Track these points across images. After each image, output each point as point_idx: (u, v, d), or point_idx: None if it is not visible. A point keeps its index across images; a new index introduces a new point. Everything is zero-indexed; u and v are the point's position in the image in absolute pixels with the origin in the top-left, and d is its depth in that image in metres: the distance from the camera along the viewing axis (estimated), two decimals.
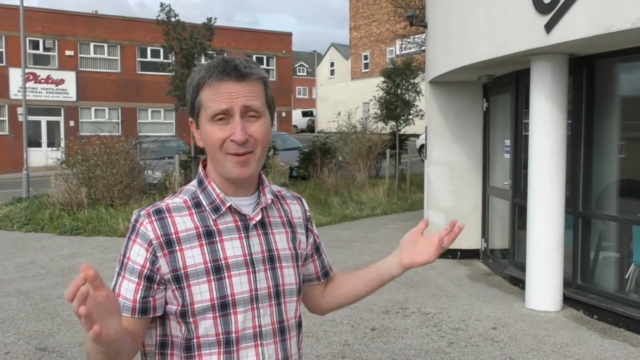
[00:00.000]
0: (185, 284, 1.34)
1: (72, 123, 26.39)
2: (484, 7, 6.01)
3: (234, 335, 1.37)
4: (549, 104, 5.60)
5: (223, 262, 1.37)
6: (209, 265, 1.36)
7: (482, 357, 4.66)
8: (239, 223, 1.42)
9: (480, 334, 5.15)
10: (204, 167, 1.47)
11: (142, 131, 17.84)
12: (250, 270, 1.40)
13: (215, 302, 1.35)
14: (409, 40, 19.80)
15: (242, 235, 1.41)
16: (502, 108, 7.54)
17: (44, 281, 7.14)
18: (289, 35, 33.46)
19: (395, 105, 15.43)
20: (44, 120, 26.00)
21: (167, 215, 1.38)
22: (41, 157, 24.07)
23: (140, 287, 1.35)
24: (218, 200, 1.41)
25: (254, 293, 1.39)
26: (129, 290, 1.35)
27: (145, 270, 1.35)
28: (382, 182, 14.61)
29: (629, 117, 5.85)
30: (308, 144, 17.40)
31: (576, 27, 4.60)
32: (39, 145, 25.47)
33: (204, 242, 1.37)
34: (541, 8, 4.90)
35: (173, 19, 13.30)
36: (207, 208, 1.40)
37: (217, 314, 1.35)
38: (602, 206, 5.96)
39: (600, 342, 4.91)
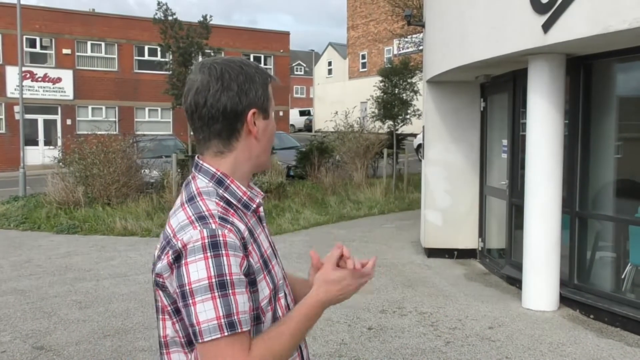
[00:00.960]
0: (257, 287, 1.36)
1: (69, 121, 26.34)
2: (482, 6, 6.02)
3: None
4: (546, 103, 5.60)
5: (266, 255, 1.43)
6: (261, 260, 1.39)
7: (479, 357, 4.66)
8: (256, 217, 1.48)
9: (476, 334, 5.16)
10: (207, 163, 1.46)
11: (139, 130, 17.83)
12: (276, 260, 1.51)
13: (272, 292, 1.41)
14: (406, 39, 19.83)
15: (262, 227, 1.49)
16: (499, 108, 7.55)
17: (40, 280, 7.12)
18: (287, 34, 33.44)
19: (393, 105, 15.45)
20: (40, 118, 25.94)
21: (230, 219, 1.34)
22: (38, 155, 24.05)
23: (250, 296, 1.33)
24: (245, 198, 1.43)
25: (282, 279, 1.50)
26: (245, 303, 1.29)
27: (247, 278, 1.32)
28: (379, 181, 14.62)
29: (625, 117, 5.86)
30: (305, 143, 17.40)
31: (574, 27, 4.61)
32: (35, 143, 25.42)
33: (253, 239, 1.39)
34: (539, 8, 4.91)
35: (170, 18, 13.29)
36: (239, 205, 1.41)
37: (273, 305, 1.41)
38: (599, 206, 5.97)
39: (597, 342, 4.92)
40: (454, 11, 6.82)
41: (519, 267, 6.38)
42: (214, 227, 1.29)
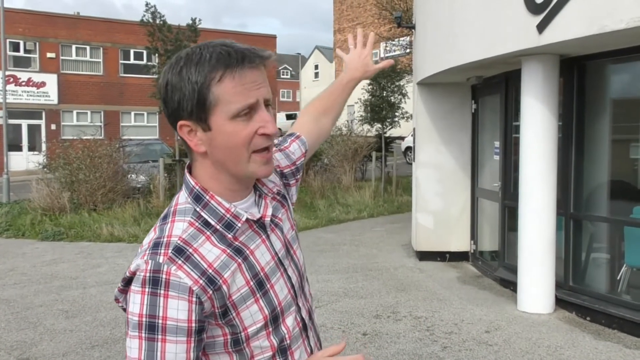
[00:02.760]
0: (234, 314, 1.19)
1: (53, 126, 25.98)
2: (474, 7, 5.96)
3: (287, 341, 1.30)
4: (539, 105, 5.56)
5: (262, 274, 1.25)
6: (252, 283, 1.22)
7: None
8: (255, 226, 1.28)
9: (473, 338, 5.08)
10: (189, 174, 1.28)
11: (125, 134, 17.61)
12: (282, 270, 1.31)
13: (268, 318, 1.25)
14: (393, 42, 19.80)
15: (263, 237, 1.29)
16: (491, 109, 7.51)
17: (25, 289, 6.94)
18: (274, 37, 33.33)
19: (381, 108, 15.40)
20: (24, 123, 25.55)
21: (190, 250, 1.16)
22: (22, 161, 23.67)
23: (192, 346, 1.14)
24: (229, 215, 1.22)
25: (292, 292, 1.33)
26: (179, 353, 1.12)
27: (194, 325, 1.13)
28: (368, 184, 14.56)
29: (619, 118, 5.83)
30: None
31: (569, 27, 4.56)
32: (19, 149, 25.04)
33: (239, 260, 1.21)
34: (533, 8, 4.86)
35: (159, 20, 13.14)
36: (218, 226, 1.21)
37: (270, 329, 1.26)
38: (593, 207, 5.93)
39: (595, 344, 4.87)
40: (445, 12, 6.76)
41: (512, 269, 6.32)
42: (160, 260, 1.13)
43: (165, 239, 1.17)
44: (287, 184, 1.50)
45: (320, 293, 6.46)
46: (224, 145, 1.19)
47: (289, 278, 1.33)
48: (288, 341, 1.30)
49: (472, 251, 8.00)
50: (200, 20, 13.54)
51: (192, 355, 1.14)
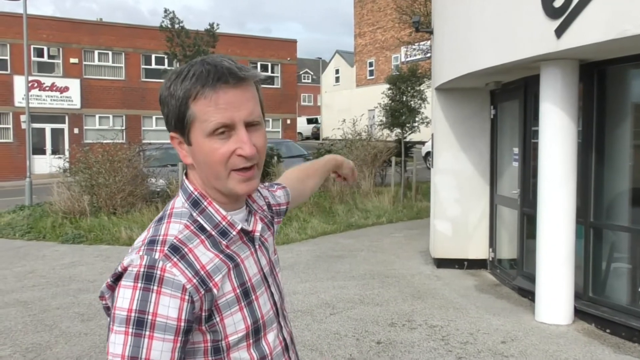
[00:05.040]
0: (217, 319, 1.19)
1: (76, 130, 26.38)
2: (492, 12, 5.88)
3: (269, 358, 1.29)
4: (558, 111, 5.45)
5: (249, 284, 1.27)
6: (238, 291, 1.24)
7: None
8: (245, 238, 1.30)
9: (489, 348, 4.99)
10: (187, 180, 1.31)
11: (145, 138, 17.76)
12: (266, 285, 1.33)
13: (250, 329, 1.25)
14: (414, 47, 19.72)
15: (252, 250, 1.32)
16: (509, 115, 7.40)
17: (43, 291, 7.02)
18: (294, 42, 33.42)
19: (401, 113, 15.33)
20: (48, 127, 25.99)
21: (185, 250, 1.18)
22: (45, 164, 24.04)
23: (178, 346, 1.13)
24: (224, 223, 1.25)
25: (274, 308, 1.34)
26: (164, 351, 1.11)
27: (183, 324, 1.13)
28: (387, 190, 14.46)
29: None
30: (313, 151, 17.28)
31: (588, 31, 4.46)
32: (43, 152, 25.46)
33: (231, 266, 1.24)
34: (551, 12, 4.77)
35: (177, 26, 13.24)
36: (214, 232, 1.24)
37: (251, 341, 1.26)
38: (614, 216, 5.79)
39: (614, 358, 4.74)
40: (462, 17, 6.69)
41: (531, 278, 6.21)
42: (156, 256, 1.14)
43: (161, 237, 1.18)
44: (271, 219, 1.54)
45: (336, 300, 6.41)
46: (203, 161, 1.22)
47: (272, 295, 1.35)
48: (269, 358, 1.29)
49: (490, 259, 7.89)
50: (218, 25, 13.62)
51: (177, 356, 1.13)
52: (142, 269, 1.12)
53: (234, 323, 1.22)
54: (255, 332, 1.26)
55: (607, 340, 5.14)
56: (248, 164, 1.22)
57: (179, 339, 1.12)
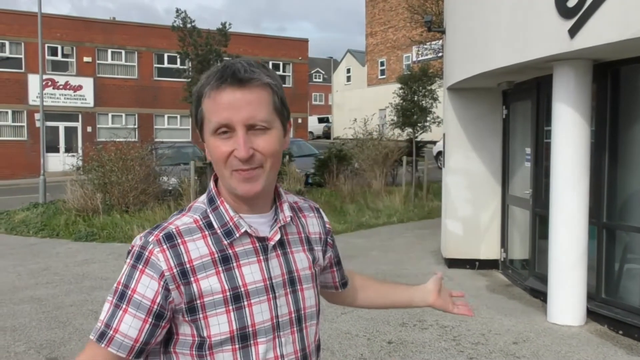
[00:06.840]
0: (200, 316, 1.22)
1: (89, 129, 26.60)
2: (505, 11, 5.86)
3: None
4: (571, 111, 5.43)
5: (242, 289, 1.25)
6: (228, 294, 1.23)
7: None
8: (257, 244, 1.29)
9: (500, 349, 4.98)
10: (215, 181, 1.33)
11: (158, 137, 17.86)
12: (271, 296, 1.29)
13: (235, 333, 1.24)
14: (425, 46, 19.66)
15: (261, 258, 1.29)
16: (522, 115, 7.37)
17: (57, 288, 7.09)
18: (305, 41, 33.45)
19: (412, 112, 15.30)
20: (62, 126, 26.22)
21: (179, 241, 1.23)
22: (59, 162, 24.24)
23: (147, 326, 1.21)
24: (231, 224, 1.27)
25: (275, 321, 1.29)
26: (132, 327, 1.20)
27: (156, 307, 1.20)
28: (398, 189, 14.45)
29: None
30: (324, 150, 17.29)
31: (602, 31, 4.44)
32: (57, 150, 25.68)
33: (220, 269, 1.24)
34: (565, 12, 4.75)
35: (189, 25, 13.30)
36: (219, 231, 1.27)
37: (237, 346, 1.24)
38: (628, 217, 5.75)
39: None
40: (475, 16, 6.67)
41: (543, 279, 6.18)
42: (150, 239, 1.23)
43: (165, 224, 1.27)
44: (328, 242, 1.55)
45: None
46: (212, 157, 1.27)
47: (277, 307, 1.30)
48: None
49: (502, 259, 7.86)
50: (230, 24, 13.65)
51: (144, 337, 1.21)
52: (136, 249, 1.23)
53: (218, 324, 1.23)
54: (242, 338, 1.24)
55: (619, 342, 5.11)
56: (245, 167, 1.22)
57: (149, 320, 1.20)
